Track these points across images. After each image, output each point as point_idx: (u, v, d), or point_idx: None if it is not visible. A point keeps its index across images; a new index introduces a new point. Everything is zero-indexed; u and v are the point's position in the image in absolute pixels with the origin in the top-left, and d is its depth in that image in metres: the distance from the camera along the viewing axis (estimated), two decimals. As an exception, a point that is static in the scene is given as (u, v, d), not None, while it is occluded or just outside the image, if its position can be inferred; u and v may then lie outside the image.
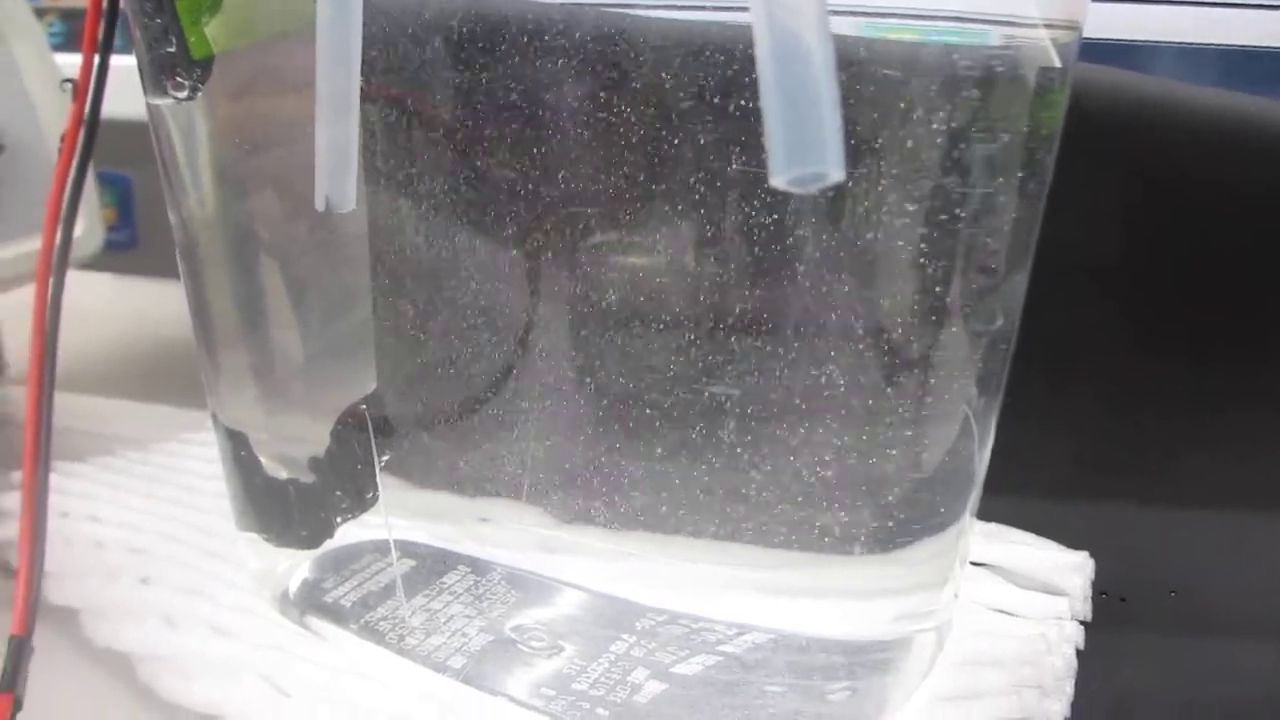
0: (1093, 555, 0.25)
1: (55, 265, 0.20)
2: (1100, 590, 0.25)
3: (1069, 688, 0.22)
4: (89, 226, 0.27)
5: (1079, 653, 0.23)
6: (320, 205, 0.16)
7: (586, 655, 0.20)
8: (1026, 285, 0.18)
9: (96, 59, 0.19)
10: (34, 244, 0.27)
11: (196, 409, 0.32)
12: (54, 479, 0.27)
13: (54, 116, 0.26)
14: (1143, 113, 0.23)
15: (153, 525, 0.25)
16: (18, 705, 0.17)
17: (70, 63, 0.29)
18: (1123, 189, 0.21)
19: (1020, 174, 0.17)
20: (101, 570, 0.23)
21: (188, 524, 0.26)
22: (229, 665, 0.21)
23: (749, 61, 0.16)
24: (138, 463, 0.28)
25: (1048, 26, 0.16)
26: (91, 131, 0.20)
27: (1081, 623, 0.24)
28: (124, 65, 0.27)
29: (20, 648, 0.18)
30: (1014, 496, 0.22)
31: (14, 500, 0.26)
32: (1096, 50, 0.18)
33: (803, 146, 0.13)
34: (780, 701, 0.20)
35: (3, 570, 0.25)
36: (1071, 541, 0.25)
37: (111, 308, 0.34)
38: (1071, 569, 0.24)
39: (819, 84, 0.13)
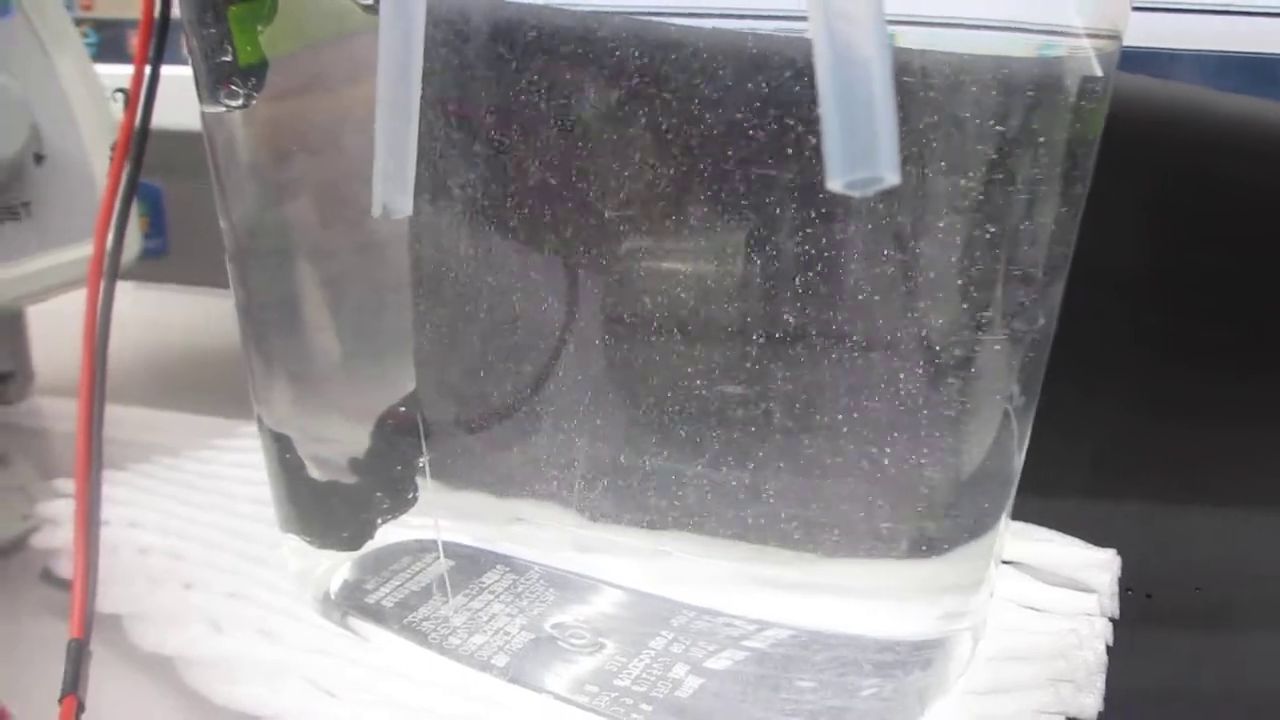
0: (1119, 553, 0.25)
1: (106, 273, 0.20)
2: (1127, 587, 0.25)
3: (1100, 682, 0.22)
4: (130, 235, 0.28)
5: (1108, 648, 0.23)
6: (377, 211, 0.16)
7: (627, 652, 0.21)
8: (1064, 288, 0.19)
9: (148, 69, 0.20)
10: (71, 254, 0.27)
11: (227, 416, 0.32)
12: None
13: (95, 128, 0.27)
14: (1170, 119, 0.24)
15: (192, 532, 0.26)
16: (80, 708, 0.18)
17: (104, 72, 0.30)
18: (1152, 195, 0.22)
19: (1063, 180, 0.17)
20: (144, 576, 0.24)
21: (226, 530, 0.26)
22: (275, 669, 0.21)
23: (795, 73, 0.17)
24: (172, 470, 0.29)
25: (1091, 36, 0.17)
26: (142, 142, 0.20)
27: (1110, 619, 0.24)
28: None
29: (79, 651, 0.18)
30: (1041, 496, 0.23)
31: (54, 509, 0.27)
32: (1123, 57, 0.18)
33: (860, 150, 0.13)
34: (819, 699, 0.20)
35: (45, 578, 0.26)
36: (1098, 539, 0.26)
37: (145, 315, 0.34)
38: (1099, 566, 0.25)
39: (875, 90, 0.14)
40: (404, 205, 0.16)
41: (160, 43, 0.20)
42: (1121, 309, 0.24)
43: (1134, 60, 0.20)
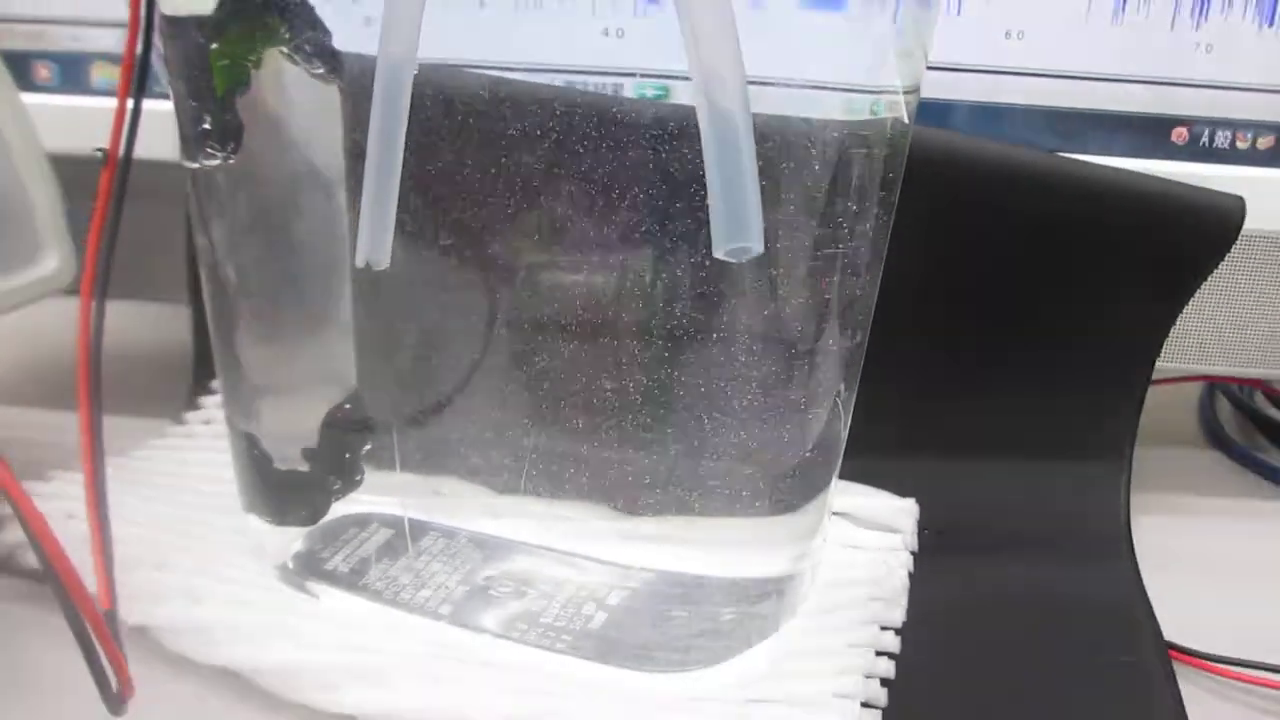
0: (918, 501, 0.32)
1: (96, 293, 0.24)
2: (924, 528, 0.32)
3: (904, 599, 0.29)
4: (65, 259, 0.31)
5: (910, 574, 0.30)
6: (360, 263, 0.21)
7: (546, 595, 0.26)
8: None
9: (124, 137, 0.23)
10: (15, 280, 0.30)
11: (155, 417, 0.36)
12: (51, 487, 0.31)
13: (29, 161, 0.29)
14: (942, 158, 0.30)
15: (152, 520, 0.29)
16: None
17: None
18: (927, 218, 0.28)
19: (878, 211, 0.23)
20: (119, 561, 0.27)
21: (183, 518, 0.30)
22: (253, 630, 0.25)
23: (664, 134, 0.22)
24: (120, 468, 0.32)
25: (905, 93, 0.23)
26: (121, 190, 0.24)
27: (911, 552, 0.31)
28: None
29: (113, 619, 0.22)
30: (859, 460, 0.29)
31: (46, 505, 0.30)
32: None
33: (736, 227, 0.19)
34: (695, 623, 0.26)
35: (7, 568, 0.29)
36: (901, 492, 0.33)
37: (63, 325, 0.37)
38: (902, 512, 0.32)
39: (746, 174, 0.19)
40: (384, 258, 0.21)
41: (136, 113, 0.24)
42: (912, 310, 0.30)
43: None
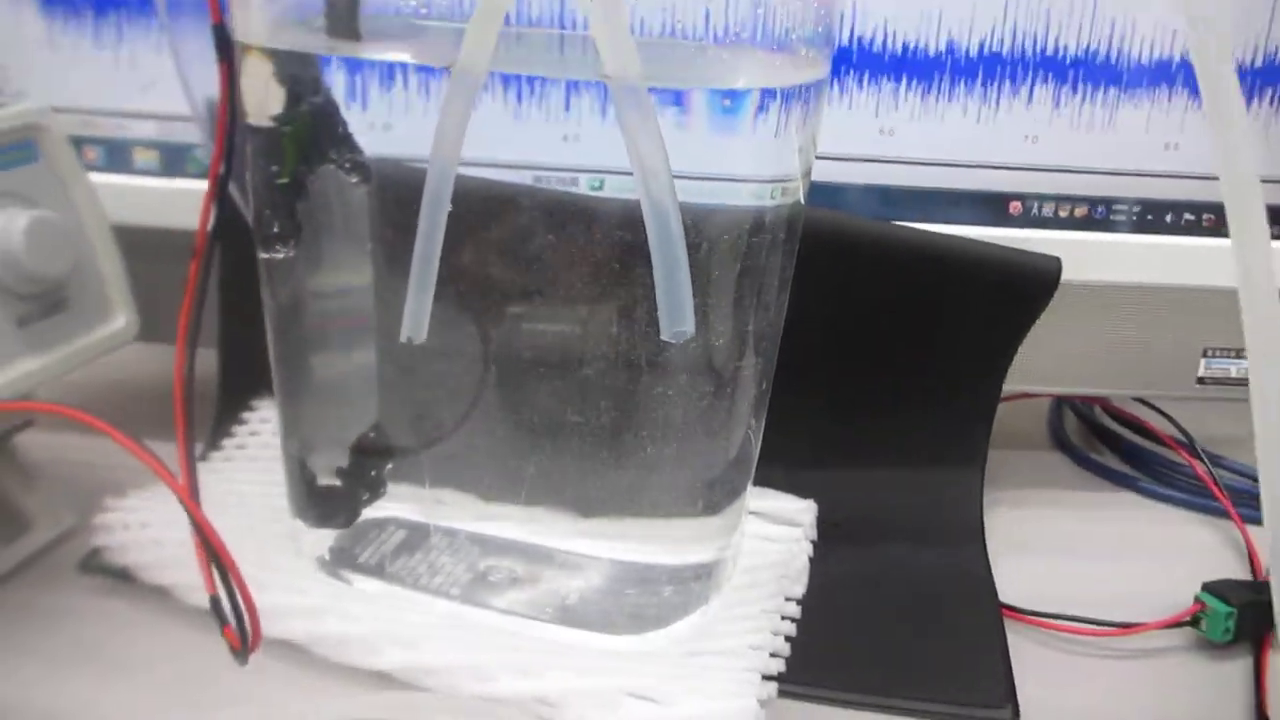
0: (816, 501, 0.41)
1: (189, 342, 0.31)
2: (822, 521, 0.40)
3: (805, 577, 0.37)
4: (130, 317, 0.38)
5: (810, 559, 0.38)
6: (404, 338, 0.29)
7: (532, 579, 0.34)
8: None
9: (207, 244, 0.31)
10: (97, 334, 0.37)
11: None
12: (128, 501, 0.38)
13: (101, 235, 0.37)
14: (830, 230, 0.39)
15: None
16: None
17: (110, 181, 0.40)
18: (819, 278, 0.36)
19: (780, 274, 0.32)
20: (185, 563, 0.35)
21: (235, 524, 0.36)
22: (307, 610, 0.33)
23: (609, 226, 0.30)
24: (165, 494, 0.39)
25: (803, 177, 0.31)
26: (205, 275, 0.31)
27: (811, 541, 0.39)
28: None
29: (232, 592, 0.29)
30: (768, 470, 0.37)
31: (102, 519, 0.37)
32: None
33: (676, 314, 0.27)
34: (642, 598, 0.34)
35: (83, 567, 0.36)
36: (802, 494, 0.41)
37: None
38: (804, 511, 0.40)
39: (681, 270, 0.27)
40: (422, 335, 0.29)
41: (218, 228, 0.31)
42: (810, 352, 0.39)
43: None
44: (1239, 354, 0.45)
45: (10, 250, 0.33)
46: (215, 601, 0.29)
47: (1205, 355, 0.45)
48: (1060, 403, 0.55)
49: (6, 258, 0.33)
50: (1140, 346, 0.45)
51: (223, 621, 0.29)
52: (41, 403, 0.29)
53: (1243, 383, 0.45)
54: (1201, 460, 0.47)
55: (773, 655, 0.33)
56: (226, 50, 0.29)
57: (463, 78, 0.25)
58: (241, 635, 0.27)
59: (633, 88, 0.24)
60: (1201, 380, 0.46)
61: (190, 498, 0.30)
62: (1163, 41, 0.41)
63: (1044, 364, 0.45)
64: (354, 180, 0.32)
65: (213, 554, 0.26)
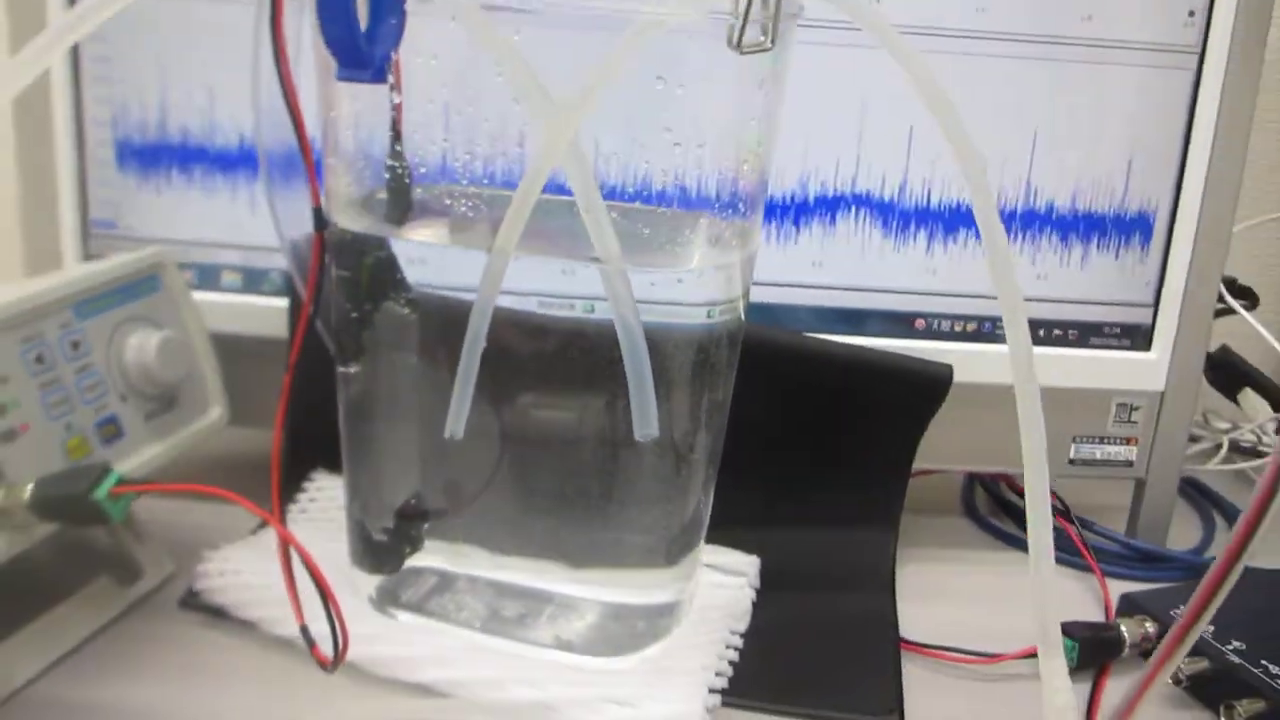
0: (760, 556, 0.52)
1: (284, 431, 0.42)
2: (763, 573, 0.51)
3: (748, 617, 0.48)
4: (223, 410, 0.49)
5: (753, 602, 0.49)
6: (447, 434, 0.40)
7: (535, 613, 0.45)
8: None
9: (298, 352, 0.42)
10: (196, 425, 0.48)
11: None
12: (220, 553, 0.48)
13: (203, 344, 0.47)
14: (767, 342, 0.50)
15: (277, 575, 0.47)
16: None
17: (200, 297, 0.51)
18: (757, 380, 0.47)
19: (725, 378, 0.42)
20: (269, 601, 0.45)
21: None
22: (363, 636, 0.43)
23: (588, 343, 0.41)
24: (252, 544, 0.50)
25: (742, 298, 0.42)
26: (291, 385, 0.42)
27: (754, 588, 0.50)
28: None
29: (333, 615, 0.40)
30: (717, 531, 0.48)
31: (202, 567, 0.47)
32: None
33: (645, 421, 0.38)
34: (620, 632, 0.44)
35: (183, 604, 0.46)
36: (747, 550, 0.52)
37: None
38: (749, 564, 0.51)
39: (647, 383, 0.38)
40: (461, 431, 0.40)
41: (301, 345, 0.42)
42: (749, 437, 0.49)
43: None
44: (1101, 440, 0.56)
45: (146, 364, 0.44)
46: (304, 629, 0.39)
47: (1074, 442, 0.56)
48: (972, 478, 0.66)
49: (143, 369, 0.44)
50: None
51: (310, 643, 0.39)
52: (182, 483, 0.39)
53: (1106, 463, 0.57)
54: (1074, 525, 0.58)
55: (718, 674, 0.43)
56: (320, 223, 0.40)
57: (498, 256, 0.36)
58: (336, 646, 0.37)
59: (614, 269, 0.36)
60: (1072, 461, 0.57)
61: (295, 543, 0.40)
62: (1030, 200, 0.53)
63: (952, 446, 0.56)
64: (406, 312, 0.43)
65: (316, 584, 0.36)
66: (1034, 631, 0.34)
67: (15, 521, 0.38)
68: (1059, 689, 0.34)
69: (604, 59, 0.32)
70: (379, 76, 0.35)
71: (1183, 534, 0.61)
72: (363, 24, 0.34)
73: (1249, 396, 0.67)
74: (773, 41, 0.32)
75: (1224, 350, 0.67)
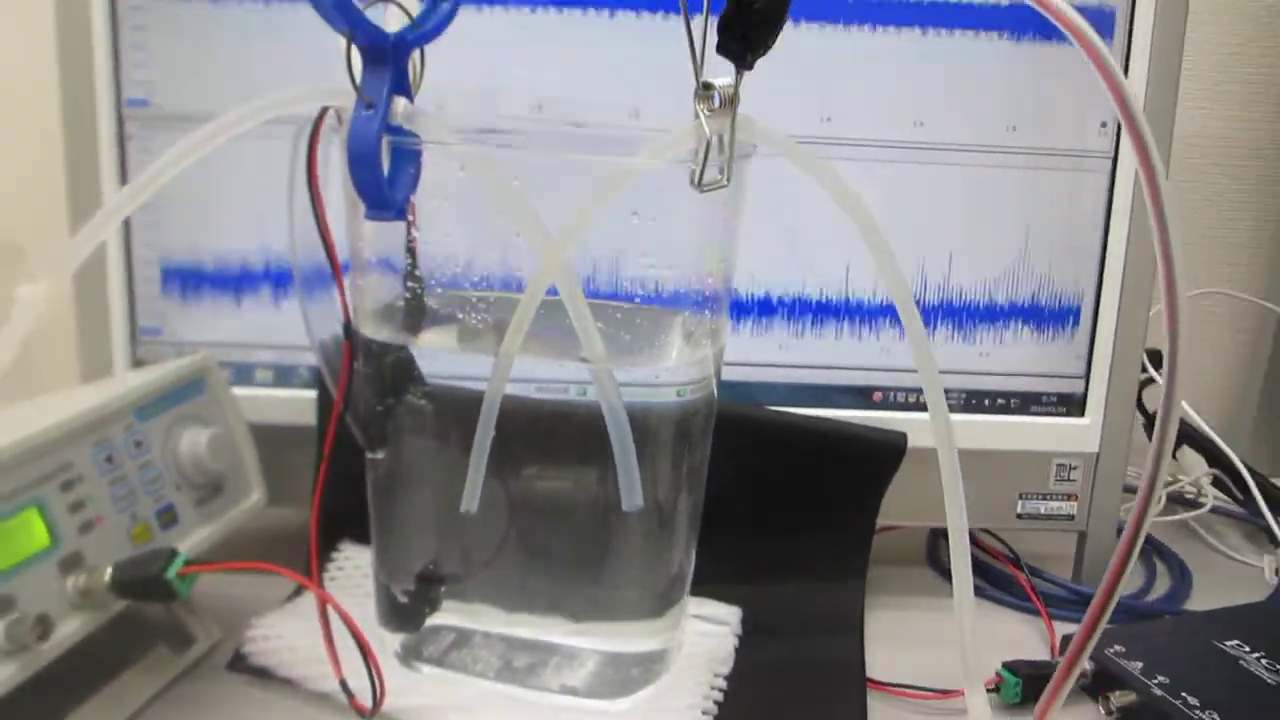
0: (741, 607, 0.58)
1: (320, 510, 0.48)
2: (744, 622, 0.57)
3: (730, 661, 0.54)
4: (262, 493, 0.56)
5: (735, 648, 0.55)
6: (463, 509, 0.46)
7: (543, 663, 0.51)
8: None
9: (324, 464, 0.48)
10: (239, 507, 0.55)
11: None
12: (265, 620, 0.55)
13: (247, 444, 0.55)
14: (738, 416, 0.57)
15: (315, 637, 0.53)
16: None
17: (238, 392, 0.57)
18: (731, 449, 0.54)
19: (700, 448, 0.49)
20: (308, 660, 0.51)
21: (337, 632, 0.54)
22: (395, 690, 0.49)
23: (581, 424, 0.47)
24: (292, 612, 0.56)
25: (715, 377, 0.49)
26: (322, 474, 0.49)
27: (736, 636, 0.56)
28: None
29: (370, 664, 0.46)
30: (702, 585, 0.54)
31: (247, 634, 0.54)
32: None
33: (631, 494, 0.45)
34: (616, 676, 0.51)
35: (231, 666, 0.53)
36: (729, 602, 0.58)
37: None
38: (730, 614, 0.57)
39: (632, 459, 0.45)
40: (475, 506, 0.46)
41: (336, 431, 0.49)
42: (724, 502, 0.56)
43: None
44: (1045, 496, 0.63)
45: (198, 457, 0.51)
46: (344, 683, 0.45)
47: (1020, 498, 0.63)
48: (935, 532, 0.72)
49: (195, 462, 0.51)
50: (977, 492, 0.63)
51: (349, 694, 0.45)
52: (238, 562, 0.45)
53: (1050, 517, 0.63)
54: (1024, 572, 0.64)
55: (704, 713, 0.49)
56: (349, 333, 0.47)
57: (503, 361, 0.43)
58: (374, 695, 0.44)
59: (601, 368, 0.43)
60: (1020, 516, 0.63)
61: (337, 605, 0.47)
62: (971, 291, 0.60)
63: (913, 504, 0.62)
64: (423, 404, 0.50)
65: (355, 639, 0.43)
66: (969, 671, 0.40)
67: (96, 601, 0.44)
68: (980, 716, 0.40)
69: (587, 199, 0.39)
70: (400, 216, 0.43)
71: (1127, 579, 0.68)
72: (385, 171, 0.41)
73: (1186, 454, 0.74)
74: (728, 180, 0.39)
75: (1163, 408, 0.74)
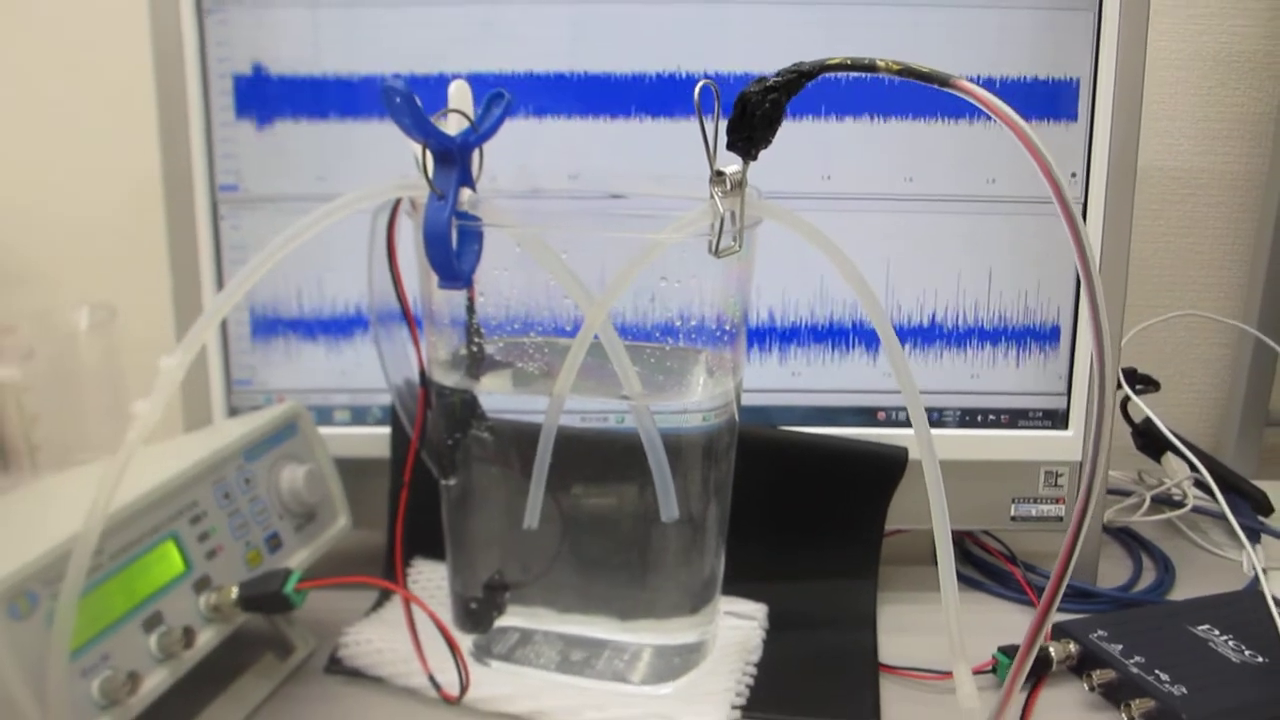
0: (767, 604, 0.66)
1: (401, 531, 0.57)
2: (770, 617, 0.65)
3: (759, 651, 0.62)
4: (347, 518, 0.64)
5: (762, 639, 0.63)
6: (525, 525, 0.55)
7: (595, 655, 0.59)
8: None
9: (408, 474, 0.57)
10: (325, 536, 0.63)
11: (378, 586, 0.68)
12: (354, 627, 0.63)
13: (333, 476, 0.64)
14: (761, 437, 0.65)
15: (401, 641, 0.62)
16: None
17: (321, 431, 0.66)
18: (752, 465, 0.62)
19: (726, 464, 0.57)
20: (395, 660, 0.60)
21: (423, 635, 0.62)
22: (474, 682, 0.58)
23: (624, 448, 0.56)
24: (377, 620, 0.65)
25: (735, 401, 0.57)
26: (402, 506, 0.57)
27: (763, 629, 0.64)
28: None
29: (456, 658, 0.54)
30: (731, 585, 0.62)
31: (340, 640, 0.62)
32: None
33: (667, 507, 0.53)
34: (660, 665, 0.59)
35: (329, 669, 0.61)
36: (757, 599, 0.66)
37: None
38: (758, 610, 0.65)
39: (668, 478, 0.53)
40: (535, 523, 0.54)
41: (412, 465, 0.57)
42: (747, 510, 0.64)
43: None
44: (1035, 500, 0.71)
45: (296, 490, 0.60)
46: (431, 676, 0.54)
47: (1013, 502, 0.71)
48: (941, 533, 0.80)
49: (294, 495, 0.60)
50: (974, 498, 0.71)
51: (437, 686, 0.54)
52: (342, 577, 0.54)
53: (1040, 519, 0.71)
54: (1020, 568, 0.72)
55: (738, 694, 0.57)
56: (423, 380, 0.56)
57: (557, 401, 0.51)
58: (461, 683, 0.52)
59: (639, 404, 0.51)
60: (1013, 518, 0.71)
61: (425, 607, 0.55)
62: (961, 319, 0.68)
63: (919, 510, 0.69)
64: (486, 437, 0.58)
65: (442, 634, 0.51)
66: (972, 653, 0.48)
67: (224, 615, 0.53)
68: (967, 694, 0.48)
69: (623, 267, 0.48)
70: (467, 284, 0.51)
71: (1117, 573, 0.76)
72: (454, 248, 0.50)
73: (1169, 459, 0.81)
74: (740, 245, 0.48)
75: (1146, 422, 0.82)
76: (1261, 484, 0.85)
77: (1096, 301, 0.41)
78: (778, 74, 0.43)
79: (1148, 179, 0.96)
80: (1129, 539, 0.81)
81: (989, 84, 0.66)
